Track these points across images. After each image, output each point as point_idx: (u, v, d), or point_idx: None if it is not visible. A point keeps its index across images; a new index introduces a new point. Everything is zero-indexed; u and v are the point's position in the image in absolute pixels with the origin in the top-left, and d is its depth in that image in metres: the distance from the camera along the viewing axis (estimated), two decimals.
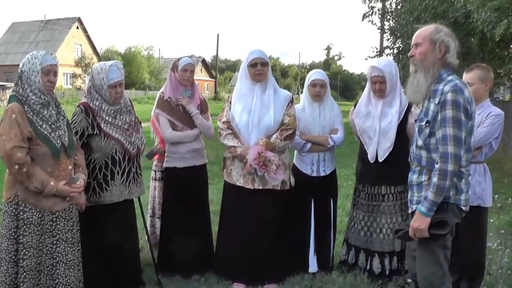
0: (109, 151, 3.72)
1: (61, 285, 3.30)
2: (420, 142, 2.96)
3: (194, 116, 4.36)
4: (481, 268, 3.93)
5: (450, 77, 2.89)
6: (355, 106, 4.40)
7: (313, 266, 4.41)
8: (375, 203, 4.24)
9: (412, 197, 3.05)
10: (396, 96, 4.12)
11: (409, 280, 4.05)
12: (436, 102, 2.83)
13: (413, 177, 3.05)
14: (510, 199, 7.69)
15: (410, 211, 3.08)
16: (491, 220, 6.19)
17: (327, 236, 4.51)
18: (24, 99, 3.17)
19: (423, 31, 2.97)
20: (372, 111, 4.18)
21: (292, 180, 4.27)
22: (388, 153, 4.10)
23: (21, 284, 3.16)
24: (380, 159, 4.12)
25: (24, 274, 3.17)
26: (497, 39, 9.96)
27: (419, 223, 2.85)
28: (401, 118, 4.09)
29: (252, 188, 4.11)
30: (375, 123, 4.13)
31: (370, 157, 4.17)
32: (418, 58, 2.95)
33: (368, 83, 4.23)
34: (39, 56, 3.19)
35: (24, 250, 3.17)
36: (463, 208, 2.93)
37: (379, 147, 4.13)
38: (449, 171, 2.75)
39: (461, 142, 2.78)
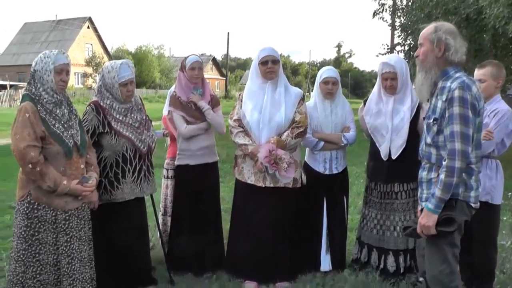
0: (120, 149, 3.74)
1: (77, 281, 3.32)
2: (428, 140, 2.95)
3: (205, 112, 4.36)
4: (492, 268, 3.89)
5: (457, 74, 2.88)
6: (364, 103, 4.38)
7: (325, 265, 4.39)
8: (387, 201, 4.22)
9: (422, 194, 3.04)
10: (407, 93, 4.10)
11: (421, 279, 4.04)
12: (444, 99, 2.83)
13: (422, 174, 3.04)
14: None
15: (419, 208, 3.06)
16: (505, 218, 6.13)
17: (341, 234, 4.50)
18: (37, 98, 3.19)
19: (424, 31, 3.00)
20: (383, 109, 4.16)
21: (304, 178, 4.26)
22: (401, 150, 4.08)
23: (30, 280, 3.18)
24: (393, 157, 4.10)
25: (41, 267, 3.20)
26: (510, 35, 9.86)
27: (426, 220, 2.85)
28: (412, 115, 4.08)
29: (264, 186, 4.10)
30: (387, 121, 4.11)
31: (383, 154, 4.15)
32: (421, 58, 3.00)
33: (378, 80, 4.21)
34: (52, 56, 3.21)
35: (40, 246, 3.20)
36: (473, 205, 2.91)
37: (392, 144, 4.11)
38: (456, 168, 2.75)
39: (469, 139, 2.77)
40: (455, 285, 2.90)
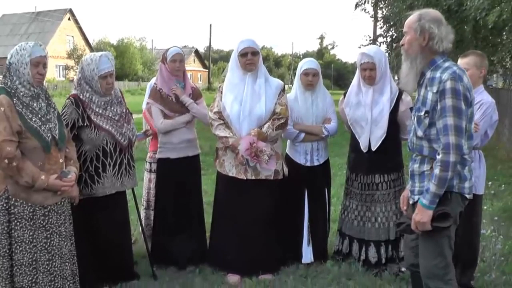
0: (100, 142, 3.69)
1: (58, 277, 3.27)
2: (420, 133, 2.85)
3: (189, 106, 4.33)
4: (475, 256, 3.93)
5: (446, 64, 2.79)
6: (344, 95, 4.38)
7: (306, 257, 4.40)
8: (368, 192, 4.23)
9: (413, 187, 2.93)
10: (386, 84, 4.11)
11: (403, 269, 4.07)
12: (435, 91, 2.72)
13: (414, 167, 2.93)
14: (503, 186, 7.73)
15: (411, 202, 2.96)
16: (485, 207, 6.20)
17: (323, 226, 4.51)
18: (13, 91, 3.11)
19: (409, 19, 2.89)
20: (362, 100, 4.16)
21: (285, 169, 4.25)
22: (380, 141, 4.09)
23: (15, 278, 3.14)
24: (373, 148, 4.11)
25: (16, 268, 3.15)
26: (490, 26, 9.96)
27: (421, 216, 2.75)
28: (392, 106, 4.09)
29: (245, 178, 4.08)
30: (367, 112, 4.11)
31: (363, 146, 4.16)
32: (405, 47, 2.89)
33: (357, 71, 4.21)
34: (28, 48, 3.13)
35: (16, 245, 3.14)
36: (467, 196, 2.84)
37: (372, 136, 4.12)
38: (451, 162, 2.66)
39: (462, 131, 2.68)
40: (449, 277, 2.84)
